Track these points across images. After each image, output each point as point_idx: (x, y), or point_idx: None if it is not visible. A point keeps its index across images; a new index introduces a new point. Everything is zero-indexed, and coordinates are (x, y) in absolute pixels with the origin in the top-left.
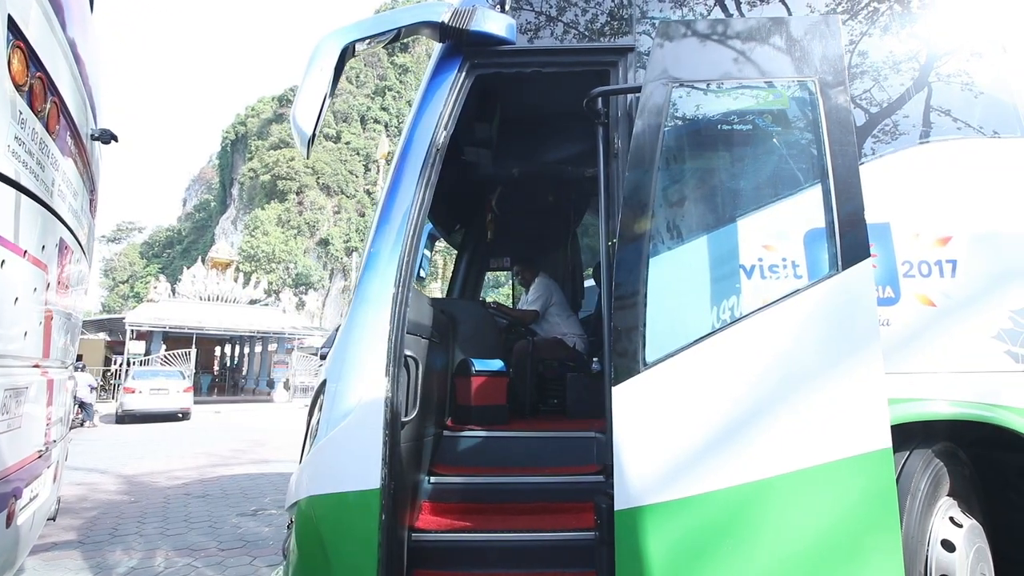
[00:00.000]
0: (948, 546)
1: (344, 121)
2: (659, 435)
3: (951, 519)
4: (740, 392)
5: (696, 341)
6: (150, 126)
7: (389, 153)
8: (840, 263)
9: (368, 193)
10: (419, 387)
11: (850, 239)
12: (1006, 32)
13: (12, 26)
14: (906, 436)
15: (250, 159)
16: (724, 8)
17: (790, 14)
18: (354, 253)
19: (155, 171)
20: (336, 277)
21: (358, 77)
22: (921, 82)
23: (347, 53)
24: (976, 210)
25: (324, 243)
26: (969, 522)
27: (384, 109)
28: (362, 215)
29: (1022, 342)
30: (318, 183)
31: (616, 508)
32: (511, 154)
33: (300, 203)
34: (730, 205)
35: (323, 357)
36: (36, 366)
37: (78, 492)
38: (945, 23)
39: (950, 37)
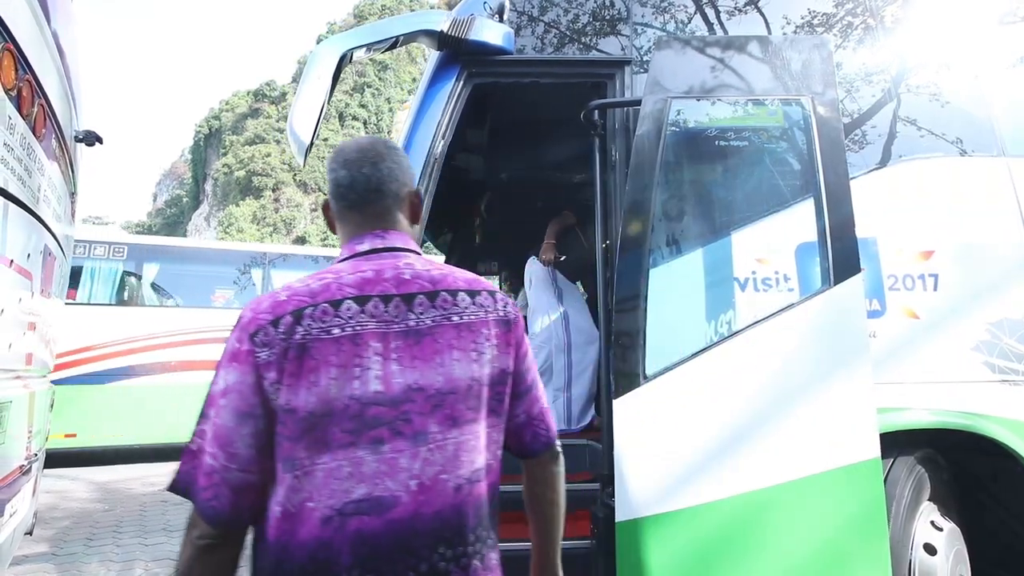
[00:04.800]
0: (930, 549)
1: (324, 121)
2: (659, 447)
3: (932, 523)
4: (737, 404)
5: (696, 354)
6: (118, 118)
7: None
8: (832, 278)
9: None
10: None
11: (841, 254)
12: (979, 55)
13: (1, 27)
14: (891, 444)
15: (224, 154)
16: (705, 19)
17: (768, 28)
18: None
19: (124, 165)
20: None
21: None
22: (892, 96)
23: (344, 61)
24: (956, 225)
25: (301, 241)
26: (948, 525)
27: (363, 106)
28: None
29: (999, 353)
30: (295, 180)
31: (618, 519)
32: (501, 159)
33: (276, 200)
34: (727, 219)
35: None
36: (18, 377)
37: (49, 500)
38: (919, 42)
39: (925, 56)
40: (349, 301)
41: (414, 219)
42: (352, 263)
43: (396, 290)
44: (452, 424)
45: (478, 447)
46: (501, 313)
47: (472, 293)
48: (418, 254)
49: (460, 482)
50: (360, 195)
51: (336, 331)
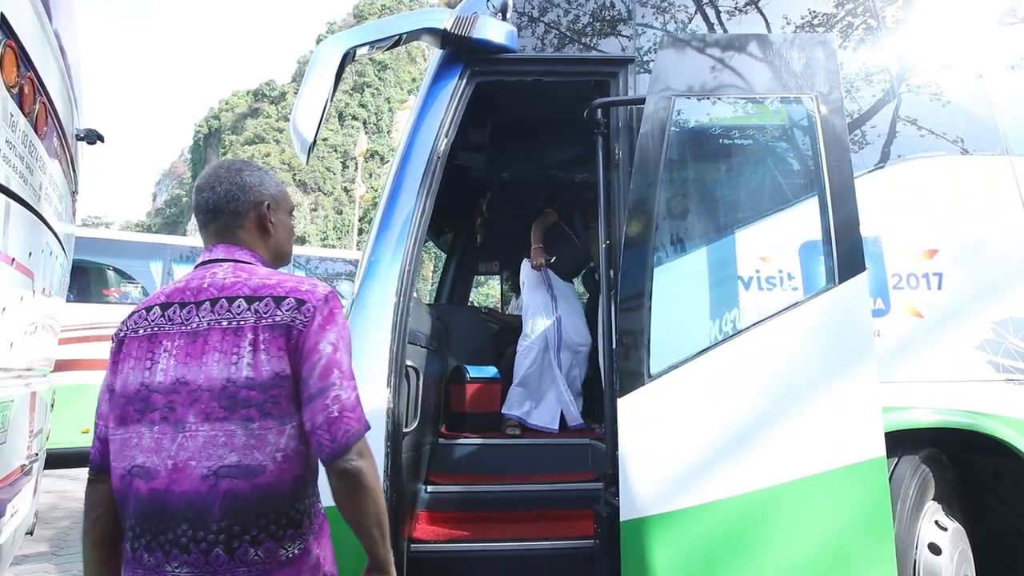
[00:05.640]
0: (935, 549)
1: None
2: (663, 446)
3: (936, 523)
4: (742, 403)
5: (700, 352)
6: (118, 118)
7: (368, 150)
8: (837, 276)
9: (346, 190)
10: (419, 397)
11: (846, 253)
12: (983, 56)
13: (4, 25)
14: (895, 443)
15: (224, 154)
16: (706, 19)
17: (769, 28)
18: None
19: (124, 165)
20: (313, 276)
21: None
22: (894, 95)
23: (347, 58)
24: (960, 224)
25: (301, 241)
26: (953, 525)
27: (362, 106)
28: (339, 213)
29: (1003, 352)
30: (294, 180)
31: (622, 519)
32: (502, 158)
33: None
34: (731, 217)
35: None
36: (19, 376)
37: (48, 500)
38: (921, 41)
39: (927, 55)
40: (156, 307)
41: (263, 230)
42: (187, 274)
43: (193, 297)
44: (205, 418)
45: (231, 444)
46: (278, 319)
47: (252, 300)
48: (240, 263)
49: (206, 472)
50: (203, 216)
51: (142, 331)
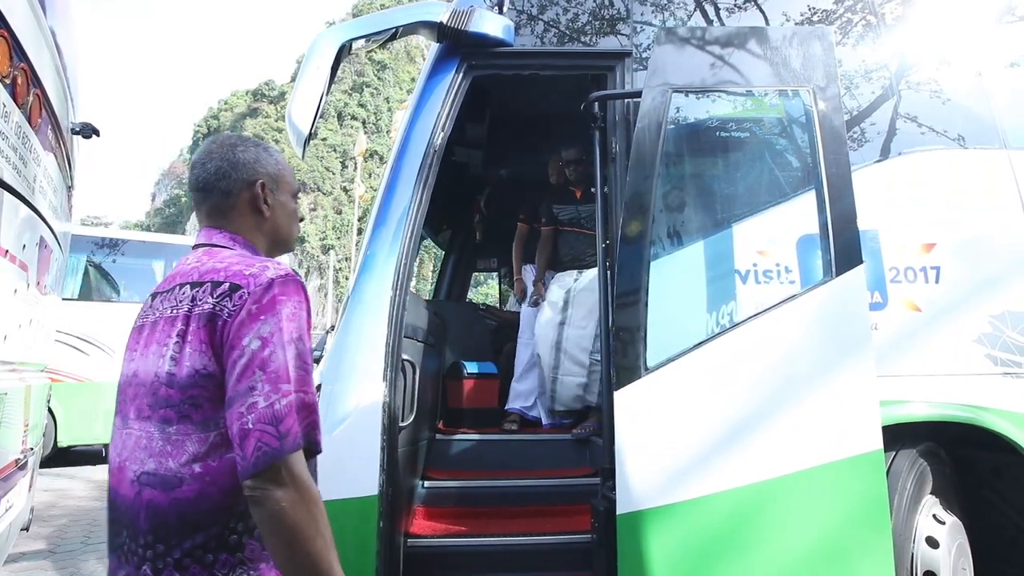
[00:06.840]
0: (932, 543)
1: (321, 117)
2: (660, 439)
3: (934, 516)
4: (739, 396)
5: (697, 345)
6: (117, 118)
7: (367, 150)
8: (834, 269)
9: (345, 190)
10: (416, 391)
11: (843, 246)
12: (982, 52)
13: None
14: (892, 437)
15: None
16: (705, 16)
17: (767, 22)
18: (331, 251)
19: (123, 165)
20: (312, 275)
21: None
22: (893, 91)
23: (344, 51)
24: (958, 218)
25: (300, 240)
26: (951, 519)
27: (362, 106)
28: (339, 212)
29: (1001, 346)
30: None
31: (619, 512)
32: (500, 154)
33: None
34: (728, 211)
35: (316, 361)
36: (14, 370)
37: (46, 498)
38: (920, 39)
39: (926, 52)
40: (150, 297)
41: (257, 212)
42: None
43: (167, 286)
44: (137, 416)
45: (150, 449)
46: (207, 307)
47: (196, 285)
48: (214, 247)
49: (133, 477)
50: (194, 195)
51: (138, 321)
